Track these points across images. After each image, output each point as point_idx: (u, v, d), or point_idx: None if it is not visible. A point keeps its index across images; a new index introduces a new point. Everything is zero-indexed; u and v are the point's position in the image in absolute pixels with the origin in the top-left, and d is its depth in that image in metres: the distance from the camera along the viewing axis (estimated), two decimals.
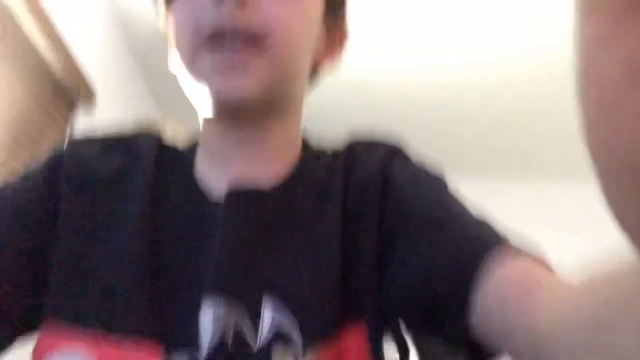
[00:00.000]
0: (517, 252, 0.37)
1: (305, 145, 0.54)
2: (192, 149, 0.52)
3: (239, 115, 0.47)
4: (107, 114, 1.96)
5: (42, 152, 1.47)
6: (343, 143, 0.54)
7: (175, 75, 0.49)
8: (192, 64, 0.45)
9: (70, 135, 1.70)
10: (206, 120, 0.50)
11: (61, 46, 1.56)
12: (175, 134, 0.54)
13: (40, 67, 1.53)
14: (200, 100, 0.47)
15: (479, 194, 0.81)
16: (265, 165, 0.49)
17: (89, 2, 1.82)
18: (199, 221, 0.47)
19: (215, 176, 0.49)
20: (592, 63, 0.16)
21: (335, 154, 0.53)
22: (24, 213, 0.46)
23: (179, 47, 0.47)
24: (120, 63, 2.12)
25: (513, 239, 0.40)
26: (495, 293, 0.35)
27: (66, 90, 1.68)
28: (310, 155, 0.53)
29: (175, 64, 0.49)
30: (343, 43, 0.55)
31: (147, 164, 0.49)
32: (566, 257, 0.52)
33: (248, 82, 0.44)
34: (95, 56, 1.87)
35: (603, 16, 0.15)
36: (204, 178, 0.49)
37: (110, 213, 0.47)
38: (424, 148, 0.77)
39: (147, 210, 0.46)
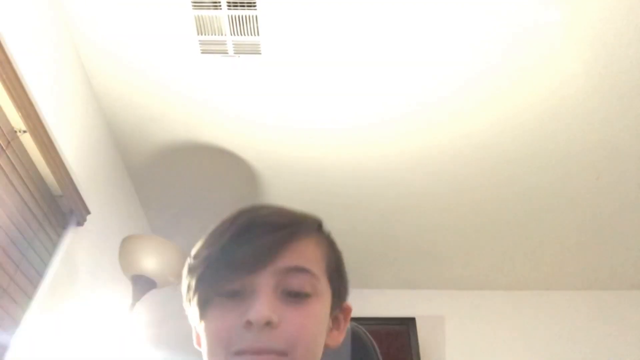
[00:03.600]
0: None
1: None
2: None
3: None
4: (98, 230, 1.99)
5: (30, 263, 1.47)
6: None
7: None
8: None
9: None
10: None
11: (59, 163, 1.64)
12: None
13: (37, 181, 1.60)
14: None
15: None
16: None
17: (87, 122, 1.94)
18: None
19: None
20: None
21: None
22: None
23: (209, 347, 0.53)
24: (114, 182, 2.20)
25: None
26: None
27: (61, 205, 1.73)
28: None
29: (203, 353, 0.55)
30: (348, 317, 0.61)
31: None
32: None
33: None
34: (91, 175, 1.95)
35: None
36: None
37: None
38: None
39: None
